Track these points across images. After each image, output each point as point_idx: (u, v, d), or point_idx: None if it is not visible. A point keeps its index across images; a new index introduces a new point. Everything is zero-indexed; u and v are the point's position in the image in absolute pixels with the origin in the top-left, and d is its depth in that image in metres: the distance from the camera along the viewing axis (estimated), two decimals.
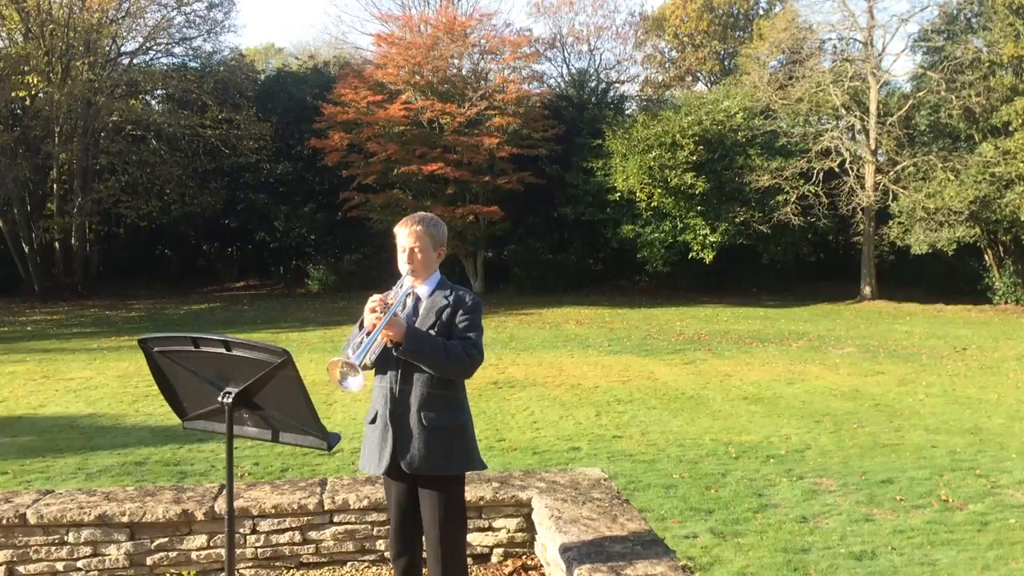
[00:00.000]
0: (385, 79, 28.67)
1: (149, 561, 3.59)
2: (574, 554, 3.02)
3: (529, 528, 3.80)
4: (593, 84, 35.91)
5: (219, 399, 2.20)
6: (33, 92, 27.51)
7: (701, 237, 27.58)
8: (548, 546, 3.42)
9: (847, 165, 28.26)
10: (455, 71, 29.70)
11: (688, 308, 26.40)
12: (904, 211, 27.04)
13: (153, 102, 34.11)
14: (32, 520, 3.48)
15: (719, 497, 7.56)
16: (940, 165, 26.45)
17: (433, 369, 2.96)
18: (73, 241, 29.84)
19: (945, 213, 25.69)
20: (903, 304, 27.40)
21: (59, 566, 3.53)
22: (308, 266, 33.29)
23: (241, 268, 35.95)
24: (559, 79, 36.93)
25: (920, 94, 28.52)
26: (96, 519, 3.50)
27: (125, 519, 3.53)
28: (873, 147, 28.73)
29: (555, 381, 13.24)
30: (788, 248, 29.24)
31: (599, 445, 9.32)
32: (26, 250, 28.82)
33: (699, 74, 41.43)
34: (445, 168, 26.69)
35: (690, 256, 28.22)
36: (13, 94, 26.57)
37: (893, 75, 31.38)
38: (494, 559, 3.81)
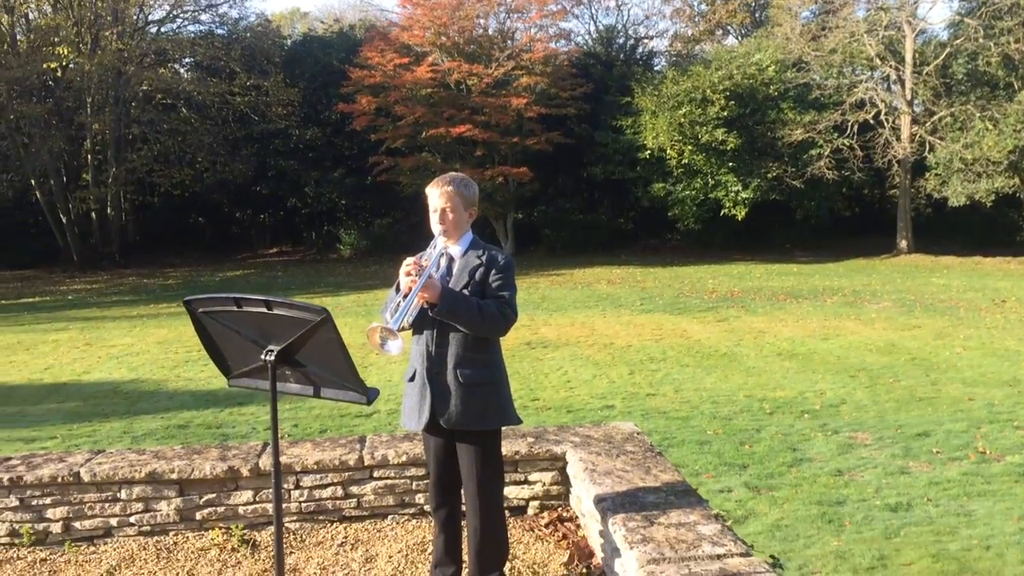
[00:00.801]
0: (411, 41, 28.51)
1: (198, 516, 3.73)
2: (608, 504, 3.07)
3: (564, 481, 3.87)
4: (621, 41, 35.44)
5: (262, 357, 2.27)
6: (64, 63, 27.73)
7: (733, 194, 27.28)
8: (583, 498, 3.48)
9: (882, 117, 27.72)
10: (481, 31, 29.44)
11: (720, 266, 26.24)
12: (941, 162, 26.52)
13: (182, 70, 34.28)
14: (86, 478, 3.62)
15: (753, 452, 7.60)
16: (978, 115, 25.85)
17: (468, 328, 3.00)
18: (109, 211, 30.27)
19: (983, 163, 25.17)
20: (940, 257, 27.02)
21: (113, 521, 3.68)
22: (339, 231, 33.49)
23: (273, 235, 36.25)
24: (586, 36, 36.51)
25: (957, 42, 27.78)
26: (146, 476, 3.63)
27: (174, 476, 3.66)
28: (909, 97, 28.13)
29: (588, 341, 13.27)
30: (822, 203, 28.83)
31: (633, 403, 9.38)
32: (63, 220, 29.28)
33: (729, 27, 40.65)
34: (473, 130, 26.59)
35: (722, 213, 27.95)
36: (45, 65, 26.80)
37: (929, 23, 30.61)
38: (530, 511, 3.90)
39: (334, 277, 25.78)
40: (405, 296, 2.81)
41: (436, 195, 3.10)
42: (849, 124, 27.36)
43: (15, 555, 3.59)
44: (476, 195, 3.20)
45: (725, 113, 26.60)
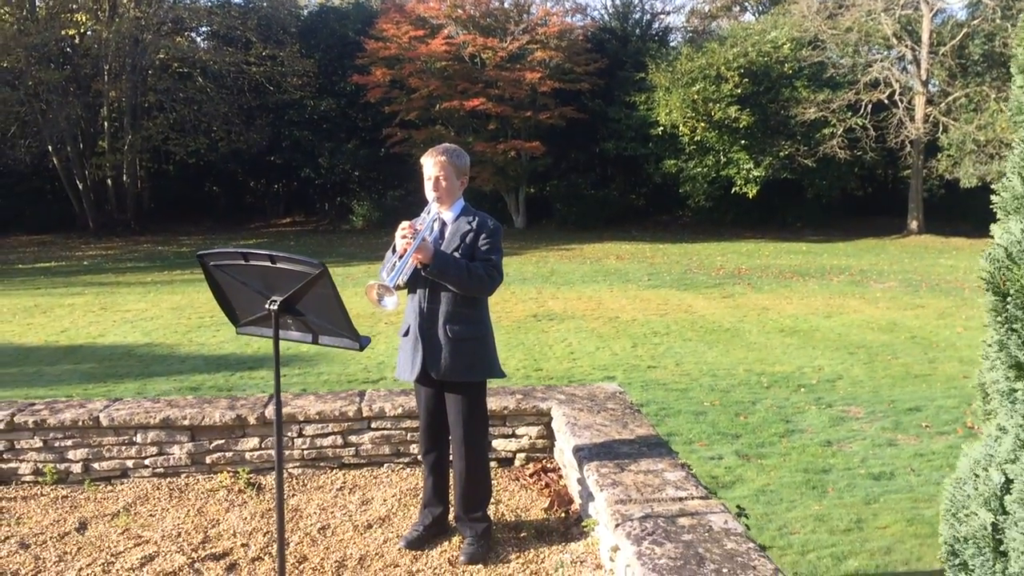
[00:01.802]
0: (427, 13, 28.54)
1: (208, 460, 4.01)
2: (585, 453, 3.33)
3: (549, 435, 4.13)
4: (637, 16, 35.26)
5: (267, 307, 2.51)
6: (82, 30, 27.94)
7: (744, 172, 27.30)
8: (565, 450, 3.74)
9: (896, 97, 27.61)
10: (497, 4, 29.42)
11: (730, 243, 26.33)
12: (954, 143, 26.44)
13: (198, 39, 34.42)
14: (104, 422, 3.89)
15: (747, 423, 7.82)
16: (993, 96, 25.74)
17: (457, 288, 3.25)
18: (125, 178, 30.57)
19: (996, 145, 25.09)
20: (950, 239, 27.01)
21: (129, 463, 3.96)
22: (352, 202, 33.69)
23: (287, 205, 36.51)
24: (602, 11, 36.42)
25: (975, 22, 27.59)
26: (160, 422, 3.91)
27: (186, 422, 3.93)
28: (924, 78, 28.00)
29: (593, 314, 13.46)
30: (834, 182, 28.81)
31: (634, 375, 9.59)
32: (80, 187, 29.63)
33: (747, 3, 40.40)
34: (487, 104, 26.67)
35: (733, 191, 27.99)
36: (63, 32, 27.02)
37: (947, 3, 30.34)
38: (517, 462, 4.16)
39: (346, 248, 26.04)
40: (400, 257, 3.08)
41: (430, 164, 3.35)
42: (863, 104, 27.28)
43: (39, 492, 3.87)
44: (467, 165, 3.45)
45: (739, 91, 26.57)
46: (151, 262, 22.57)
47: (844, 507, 5.91)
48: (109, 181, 30.49)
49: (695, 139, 27.36)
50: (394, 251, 3.22)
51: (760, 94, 27.39)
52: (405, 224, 3.18)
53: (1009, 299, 1.49)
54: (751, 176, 27.20)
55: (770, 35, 28.20)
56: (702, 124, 26.87)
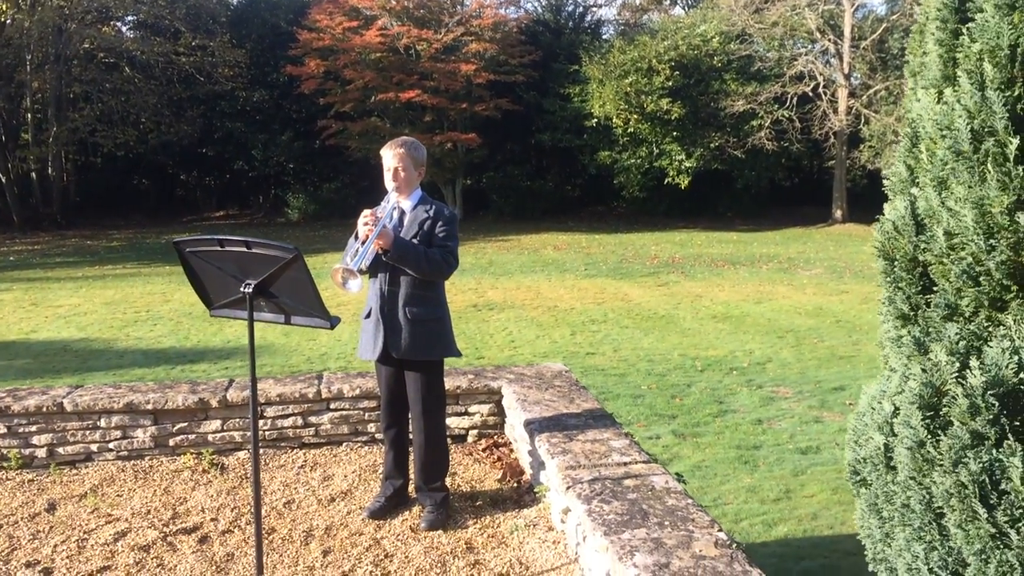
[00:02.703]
0: (360, 4, 28.39)
1: (171, 442, 4.14)
2: (536, 426, 3.58)
3: (500, 413, 4.37)
4: (570, 9, 35.65)
5: (241, 290, 2.67)
6: (2, 19, 27.08)
7: (677, 163, 27.89)
8: (516, 425, 3.98)
9: (820, 90, 28.53)
10: None
11: (664, 233, 26.90)
12: (875, 135, 27.44)
13: (124, 28, 33.61)
14: (68, 408, 3.99)
15: (683, 405, 8.19)
16: None
17: (415, 271, 3.46)
18: (50, 171, 29.75)
19: None
20: (873, 227, 27.90)
21: (93, 447, 4.07)
22: (287, 195, 33.36)
23: (220, 198, 35.94)
24: (536, 3, 36.62)
25: (893, 17, 28.67)
26: (124, 406, 4.02)
27: (150, 407, 4.05)
28: (847, 71, 28.98)
29: (532, 303, 13.73)
30: (762, 173, 29.63)
31: (573, 361, 9.88)
32: (3, 181, 28.73)
33: None
34: (422, 95, 26.71)
35: (666, 182, 28.57)
36: None
37: None
38: (470, 439, 4.39)
39: (282, 241, 25.83)
40: (363, 242, 3.28)
41: (390, 156, 3.56)
42: (789, 96, 28.11)
43: (4, 476, 3.95)
44: (425, 157, 3.67)
45: (670, 83, 27.13)
46: (81, 257, 22.06)
47: (774, 479, 6.29)
48: (34, 174, 29.66)
49: (628, 131, 27.85)
50: (356, 237, 3.42)
51: (690, 87, 28.01)
52: (367, 212, 3.38)
53: (895, 263, 1.80)
54: (683, 167, 27.81)
55: (699, 29, 28.85)
56: (635, 116, 27.37)
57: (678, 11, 39.75)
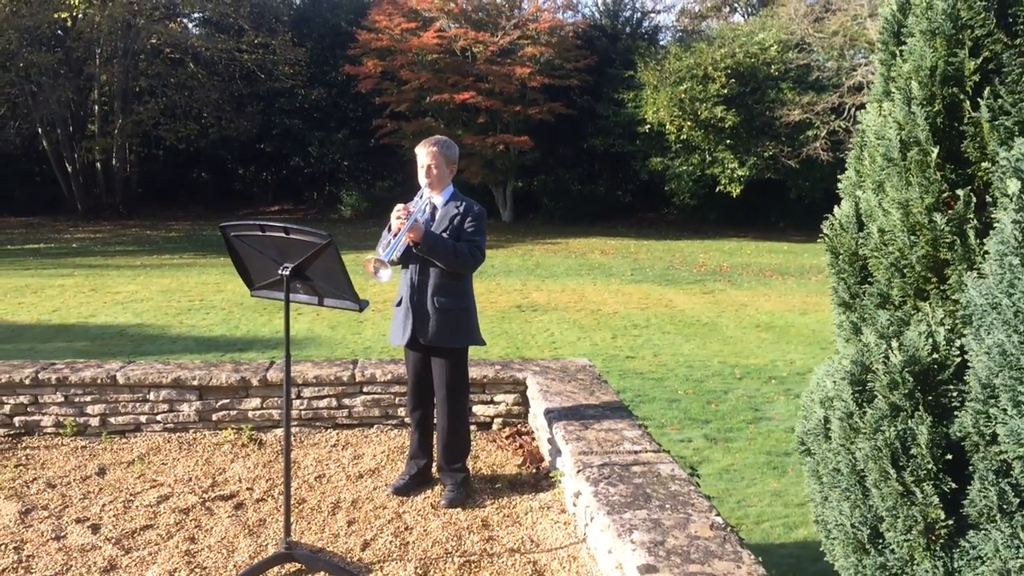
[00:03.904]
0: (419, 6, 28.80)
1: (214, 417, 4.41)
2: (555, 415, 3.75)
3: (524, 403, 4.55)
4: (627, 14, 35.63)
5: (279, 272, 2.89)
6: (75, 13, 28.06)
7: (729, 171, 27.72)
8: (537, 414, 4.15)
9: None
10: None
11: (713, 241, 26.79)
12: None
13: (190, 25, 34.54)
14: (121, 381, 4.28)
15: (718, 410, 8.26)
16: None
17: (444, 264, 3.66)
18: (114, 162, 30.70)
19: None
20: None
21: (142, 418, 4.35)
22: (341, 192, 33.92)
23: (276, 192, 36.69)
24: (593, 8, 36.68)
25: None
26: (172, 382, 4.30)
27: (195, 383, 4.33)
28: None
29: (576, 306, 13.84)
30: (816, 183, 29.24)
31: (612, 364, 9.99)
32: (69, 170, 29.75)
33: (736, 5, 40.87)
34: (477, 97, 26.99)
35: (718, 190, 28.41)
36: (55, 15, 27.15)
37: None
38: (495, 427, 4.58)
39: (334, 236, 26.24)
40: (395, 235, 3.50)
41: (423, 154, 3.77)
42: (847, 107, 27.76)
43: (60, 442, 4.25)
44: (456, 155, 3.88)
45: (725, 91, 26.98)
46: (140, 246, 22.76)
47: (800, 485, 6.33)
48: (98, 164, 30.62)
49: (681, 138, 27.77)
50: (389, 230, 3.64)
51: (746, 95, 27.83)
52: (400, 206, 3.61)
53: (839, 257, 1.98)
54: (735, 175, 27.63)
55: (758, 37, 28.64)
56: (688, 123, 27.29)
57: (737, 18, 39.52)
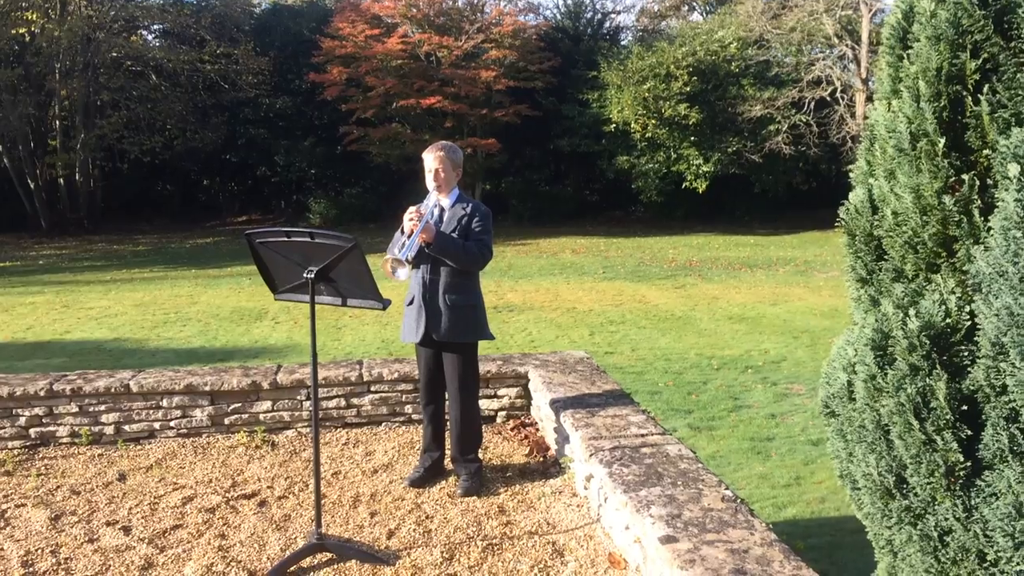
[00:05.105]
0: (382, 12, 28.87)
1: (227, 421, 4.52)
2: (560, 404, 3.93)
3: (526, 395, 4.72)
4: (589, 15, 35.98)
5: (304, 275, 3.03)
6: (33, 28, 27.74)
7: (694, 167, 28.12)
8: (542, 405, 4.32)
9: (838, 94, 28.70)
10: (451, 4, 29.88)
11: (681, 237, 27.15)
12: None
13: (151, 37, 34.26)
14: (134, 389, 4.38)
15: (699, 400, 8.48)
16: None
17: (454, 263, 3.82)
18: (77, 177, 30.37)
19: None
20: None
21: (156, 425, 4.45)
22: (309, 200, 33.84)
23: (243, 203, 36.47)
24: (555, 11, 37.01)
25: None
26: (184, 388, 4.41)
27: (207, 388, 4.44)
28: (864, 76, 29.12)
29: (551, 305, 14.01)
30: (780, 177, 29.79)
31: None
32: (32, 186, 29.38)
33: (695, 3, 41.40)
34: (443, 101, 27.11)
35: (684, 186, 28.79)
36: (13, 32, 26.81)
37: (885, 3, 31.58)
38: (499, 420, 4.75)
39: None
40: (408, 236, 3.66)
41: (431, 159, 3.95)
42: (806, 101, 28.30)
43: (76, 451, 4.34)
44: (461, 159, 4.07)
45: (688, 88, 27.38)
46: (108, 260, 22.56)
47: (785, 467, 6.58)
48: (61, 180, 30.28)
49: (646, 136, 28.11)
50: (402, 232, 3.80)
51: (708, 92, 28.25)
52: (412, 209, 3.77)
53: (856, 238, 2.22)
54: (701, 171, 28.03)
55: (717, 34, 29.08)
56: (653, 121, 27.64)
57: (696, 17, 40.03)
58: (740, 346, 10.93)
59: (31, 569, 3.11)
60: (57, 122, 30.02)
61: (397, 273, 3.42)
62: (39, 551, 3.26)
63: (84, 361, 10.38)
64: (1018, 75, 1.90)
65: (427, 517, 3.52)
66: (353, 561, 3.10)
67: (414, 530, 3.39)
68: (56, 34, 27.43)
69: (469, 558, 3.12)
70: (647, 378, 9.40)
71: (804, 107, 28.31)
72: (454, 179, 3.97)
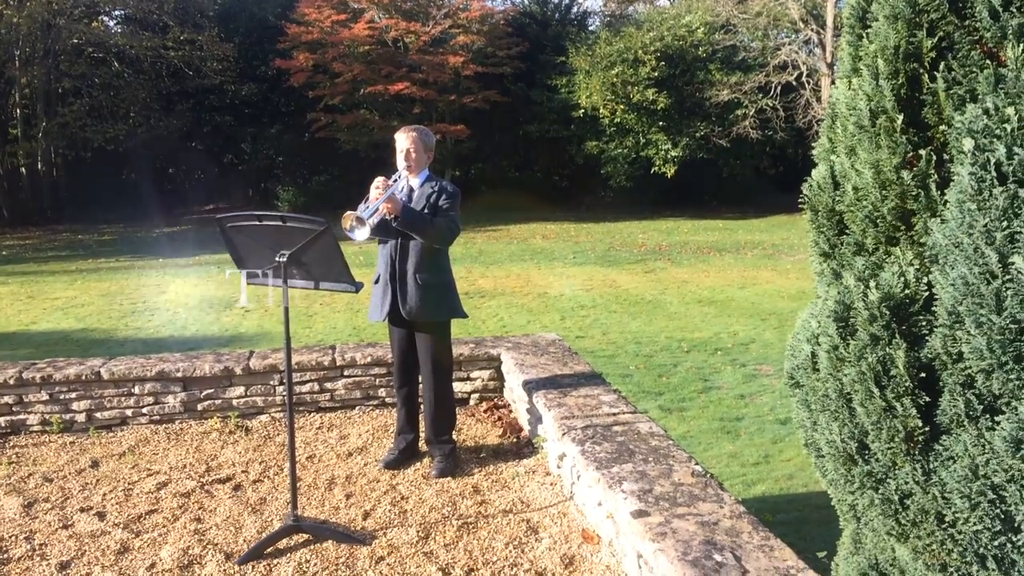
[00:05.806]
0: None
1: (199, 407, 4.51)
2: (533, 385, 3.98)
3: (499, 378, 4.76)
4: (556, 1, 35.96)
5: (276, 259, 3.03)
6: None
7: (663, 152, 28.27)
8: (514, 387, 4.37)
9: (804, 79, 28.95)
10: None
11: (650, 221, 27.30)
12: None
13: (112, 23, 33.69)
14: (105, 376, 4.36)
15: (669, 383, 8.58)
16: None
17: (423, 237, 3.83)
18: (40, 166, 29.89)
19: None
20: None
21: (128, 412, 4.43)
22: (277, 188, 33.58)
23: (209, 191, 36.06)
24: None
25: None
26: (156, 375, 4.39)
27: (179, 374, 4.43)
28: (829, 60, 29.38)
29: (523, 291, 14.06)
30: (747, 161, 30.05)
31: None
32: None
33: None
34: (411, 88, 26.98)
35: (652, 171, 28.94)
36: None
37: None
38: (472, 402, 4.79)
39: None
40: (374, 200, 3.66)
41: (403, 139, 3.98)
42: (773, 85, 28.51)
43: (48, 439, 4.32)
44: (433, 143, 4.11)
45: (656, 74, 27.48)
46: (73, 250, 22.25)
47: (754, 446, 6.70)
48: (23, 169, 29.77)
49: (615, 121, 28.20)
50: (366, 201, 3.80)
51: (676, 77, 28.37)
52: (380, 179, 3.79)
53: (819, 213, 2.30)
54: (669, 156, 28.19)
55: (684, 19, 29.20)
56: (621, 106, 27.72)
57: (663, 2, 40.09)
58: (709, 329, 11.05)
59: (5, 555, 3.11)
60: (18, 110, 29.48)
61: (354, 232, 3.37)
62: (12, 537, 3.26)
63: (51, 351, 10.27)
64: (972, 53, 1.98)
65: (402, 498, 3.56)
66: (329, 542, 3.13)
67: (389, 511, 3.42)
68: (15, 20, 26.87)
69: (445, 537, 3.16)
70: (618, 361, 9.48)
71: (771, 91, 28.53)
72: (425, 161, 4.00)
